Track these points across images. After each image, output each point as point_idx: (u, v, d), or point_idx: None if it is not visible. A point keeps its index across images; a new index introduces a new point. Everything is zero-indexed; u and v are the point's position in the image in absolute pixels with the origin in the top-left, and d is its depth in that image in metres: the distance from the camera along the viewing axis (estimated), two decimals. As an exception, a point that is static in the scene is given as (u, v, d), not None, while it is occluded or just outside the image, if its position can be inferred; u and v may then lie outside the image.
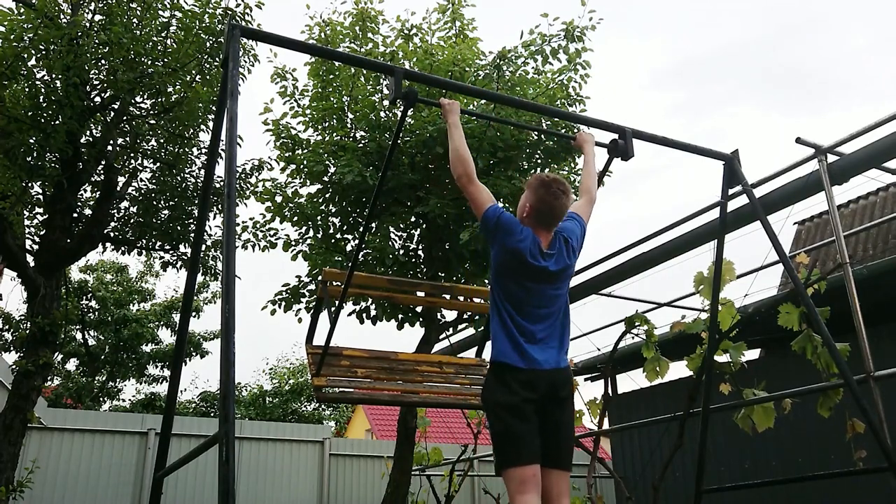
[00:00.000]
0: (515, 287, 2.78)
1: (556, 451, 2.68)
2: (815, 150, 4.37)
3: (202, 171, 7.26)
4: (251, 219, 6.84)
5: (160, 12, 6.30)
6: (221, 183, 3.41)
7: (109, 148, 6.67)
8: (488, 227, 2.82)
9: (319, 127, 6.59)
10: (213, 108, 6.47)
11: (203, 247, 7.20)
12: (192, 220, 7.34)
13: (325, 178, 6.32)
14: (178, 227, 7.35)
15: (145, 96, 6.68)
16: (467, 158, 2.90)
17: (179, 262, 7.75)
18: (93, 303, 14.98)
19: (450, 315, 6.69)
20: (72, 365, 15.36)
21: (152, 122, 6.91)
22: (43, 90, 5.89)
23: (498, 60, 6.05)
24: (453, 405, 4.33)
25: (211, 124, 5.20)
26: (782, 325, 4.18)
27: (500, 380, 2.69)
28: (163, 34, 6.31)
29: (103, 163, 6.70)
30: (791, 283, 3.90)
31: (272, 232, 6.79)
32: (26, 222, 6.83)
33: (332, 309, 3.77)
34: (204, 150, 7.35)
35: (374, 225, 6.32)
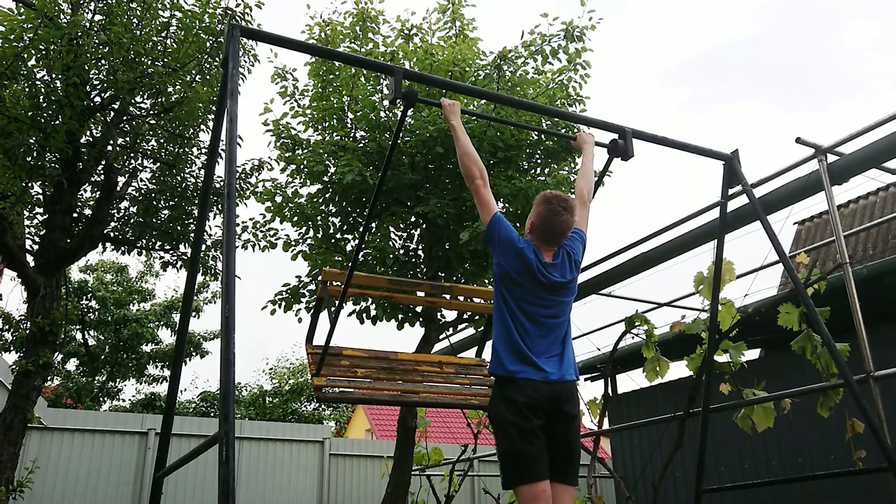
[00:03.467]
0: (521, 293, 2.79)
1: (562, 466, 2.68)
2: (815, 150, 4.38)
3: (202, 171, 7.26)
4: (251, 219, 6.84)
5: (160, 12, 6.30)
6: (221, 183, 3.41)
7: (109, 148, 6.66)
8: (494, 234, 2.85)
9: (319, 127, 6.59)
10: (213, 108, 6.46)
11: (203, 247, 7.20)
12: (192, 220, 7.34)
13: (325, 178, 6.32)
14: (178, 227, 7.35)
15: (145, 96, 6.68)
16: (479, 161, 2.95)
17: (179, 262, 7.75)
18: (93, 303, 14.99)
19: (450, 315, 6.69)
20: (72, 365, 15.37)
21: (152, 122, 6.91)
22: (43, 90, 5.89)
23: (498, 60, 6.05)
24: (453, 405, 4.33)
25: (211, 124, 5.20)
26: (782, 325, 4.18)
27: (506, 396, 2.68)
28: (163, 34, 6.30)
29: (103, 163, 6.69)
30: (791, 283, 3.90)
31: (272, 232, 6.79)
32: (26, 222, 6.83)
33: (332, 309, 3.77)
34: (204, 150, 7.35)
35: (374, 225, 6.32)
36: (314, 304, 4.81)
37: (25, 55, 5.64)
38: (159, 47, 6.28)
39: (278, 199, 6.54)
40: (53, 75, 5.88)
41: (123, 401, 16.47)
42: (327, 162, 6.23)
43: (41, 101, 5.88)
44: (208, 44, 6.38)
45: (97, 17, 6.08)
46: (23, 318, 12.08)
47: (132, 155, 7.16)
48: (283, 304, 6.47)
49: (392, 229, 6.48)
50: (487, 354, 3.06)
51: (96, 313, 14.99)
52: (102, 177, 6.86)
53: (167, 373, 15.29)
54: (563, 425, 2.71)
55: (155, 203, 7.35)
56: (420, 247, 6.64)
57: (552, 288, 2.82)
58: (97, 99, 6.50)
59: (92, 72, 6.19)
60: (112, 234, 7.25)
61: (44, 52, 5.73)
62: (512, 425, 2.63)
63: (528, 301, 2.78)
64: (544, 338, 2.78)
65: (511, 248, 2.81)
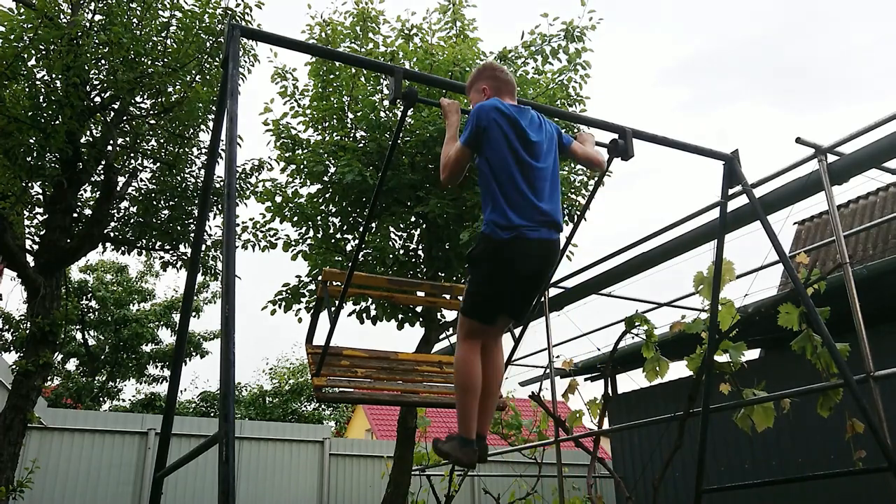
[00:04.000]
0: (507, 146, 2.82)
1: (516, 306, 2.91)
2: (815, 150, 4.38)
3: (202, 171, 7.26)
4: (251, 219, 6.84)
5: (160, 12, 6.30)
6: (221, 183, 3.41)
7: (109, 148, 6.67)
8: (471, 130, 2.85)
9: (319, 127, 6.59)
10: (213, 108, 6.47)
11: (203, 247, 7.20)
12: (192, 220, 7.34)
13: (325, 178, 6.32)
14: (178, 227, 7.35)
15: (145, 96, 6.68)
16: (447, 160, 2.93)
17: (179, 262, 7.75)
18: (93, 303, 14.98)
19: (450, 315, 6.69)
20: (72, 365, 15.38)
21: (152, 122, 6.91)
22: (43, 90, 5.89)
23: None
24: (453, 405, 4.32)
25: (211, 124, 5.20)
26: (782, 325, 4.18)
27: (492, 254, 2.74)
28: (163, 34, 6.30)
29: (103, 163, 6.69)
30: (791, 283, 3.90)
31: (272, 232, 6.79)
32: (26, 222, 6.83)
33: (332, 309, 3.77)
34: (204, 150, 7.35)
35: (374, 225, 6.32)
36: (314, 304, 4.81)
37: (25, 55, 5.64)
38: (159, 47, 6.28)
39: (278, 199, 6.54)
40: (53, 75, 5.88)
41: (123, 401, 16.47)
42: (327, 162, 6.23)
43: (41, 101, 5.88)
44: (208, 44, 6.38)
45: (97, 17, 6.08)
46: (23, 318, 12.09)
47: (132, 155, 7.16)
48: (283, 304, 6.47)
49: (392, 229, 6.48)
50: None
51: (96, 313, 14.99)
52: (102, 177, 6.86)
53: (167, 373, 15.30)
54: (540, 282, 2.88)
55: (155, 203, 7.35)
56: (420, 247, 6.64)
57: (536, 148, 2.89)
58: (97, 99, 6.50)
59: (92, 72, 6.19)
60: (112, 234, 7.25)
61: (44, 52, 5.73)
62: (488, 279, 2.77)
63: (514, 149, 2.83)
64: (537, 175, 2.84)
65: (489, 118, 2.82)
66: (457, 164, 2.88)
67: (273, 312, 6.51)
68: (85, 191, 7.26)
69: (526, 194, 2.75)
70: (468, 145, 2.85)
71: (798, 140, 4.37)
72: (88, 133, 6.70)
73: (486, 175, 2.82)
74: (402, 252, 6.51)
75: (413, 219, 6.32)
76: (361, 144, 6.31)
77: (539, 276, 2.84)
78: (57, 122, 5.83)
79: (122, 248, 7.40)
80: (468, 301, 2.85)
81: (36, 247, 6.55)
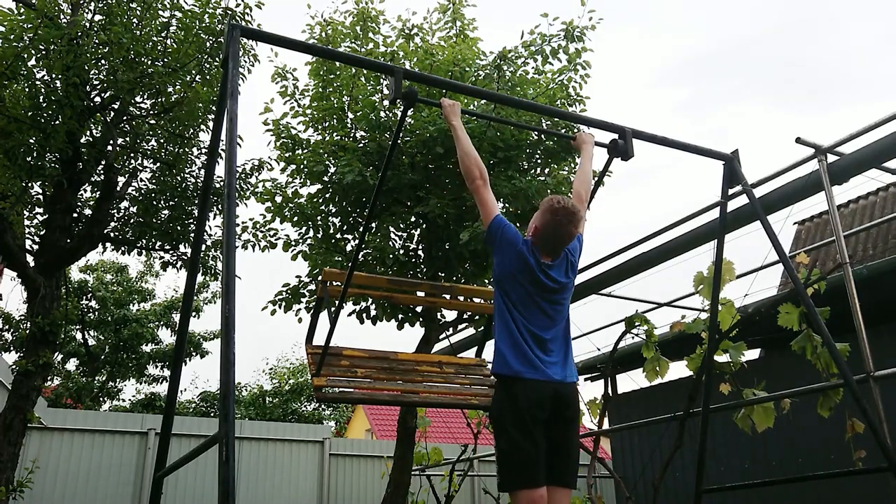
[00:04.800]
0: (522, 292, 2.79)
1: (561, 469, 2.67)
2: (815, 150, 4.38)
3: (202, 171, 7.26)
4: (251, 219, 6.84)
5: (160, 12, 6.30)
6: (221, 183, 3.41)
7: (109, 148, 6.66)
8: (494, 235, 2.86)
9: (319, 127, 6.59)
10: (213, 108, 6.46)
11: (203, 247, 7.19)
12: (192, 220, 7.34)
13: (325, 178, 6.32)
14: (178, 227, 7.35)
15: (145, 96, 6.68)
16: (479, 161, 2.97)
17: (179, 262, 7.75)
18: (93, 303, 14.98)
19: (450, 315, 6.69)
20: (72, 365, 15.38)
21: (152, 122, 6.91)
22: (43, 90, 5.89)
23: (498, 60, 6.05)
24: (453, 405, 4.33)
25: (211, 124, 5.20)
26: (782, 325, 4.18)
27: (509, 396, 2.67)
28: (163, 34, 6.30)
29: (103, 163, 6.69)
30: (791, 283, 3.90)
31: (272, 232, 6.79)
32: (26, 222, 6.83)
33: (332, 309, 3.77)
34: (204, 150, 7.35)
35: (374, 225, 6.32)
36: (314, 304, 4.81)
37: (25, 55, 5.64)
38: (159, 47, 6.28)
39: (278, 199, 6.54)
40: (53, 75, 5.88)
41: (123, 401, 16.48)
42: (327, 162, 6.23)
43: (41, 101, 5.88)
44: (208, 44, 6.38)
45: (97, 17, 6.08)
46: (23, 318, 12.09)
47: (132, 155, 7.16)
48: (283, 304, 6.47)
49: (392, 229, 6.48)
50: (487, 354, 3.07)
51: (96, 313, 14.99)
52: (102, 177, 6.86)
53: (167, 373, 15.29)
54: (563, 428, 2.71)
55: (155, 203, 7.35)
56: (420, 247, 6.64)
57: (552, 289, 2.83)
58: (97, 99, 6.50)
59: (92, 72, 6.19)
60: (112, 234, 7.24)
61: (44, 52, 5.73)
62: (514, 427, 2.60)
63: (528, 301, 2.79)
64: (546, 339, 2.78)
65: (512, 250, 2.82)
66: (481, 193, 2.93)
67: (273, 313, 6.50)
68: (85, 191, 7.25)
69: (532, 350, 2.73)
70: (499, 219, 2.87)
71: (798, 140, 4.37)
72: (88, 133, 6.70)
73: (499, 315, 2.84)
74: (402, 252, 6.51)
75: (413, 219, 6.32)
76: (361, 144, 6.30)
77: (564, 418, 2.72)
78: (57, 122, 5.83)
79: (122, 248, 7.40)
80: (502, 467, 2.62)
81: (36, 247, 6.55)
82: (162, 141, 7.15)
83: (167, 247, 7.56)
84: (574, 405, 2.77)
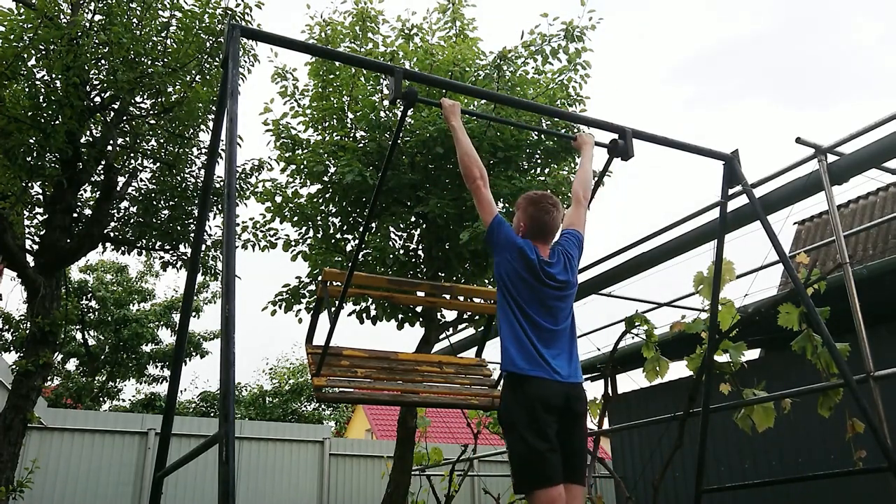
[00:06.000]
0: (525, 290, 2.79)
1: (573, 466, 2.66)
2: (815, 150, 4.37)
3: (202, 171, 7.26)
4: (251, 219, 6.84)
5: (160, 12, 6.30)
6: (221, 183, 3.41)
7: (109, 148, 6.67)
8: (495, 235, 2.86)
9: (319, 127, 6.59)
10: (213, 108, 6.47)
11: (203, 247, 7.20)
12: (192, 220, 7.34)
13: (325, 178, 6.32)
14: (178, 227, 7.35)
15: (145, 96, 6.68)
16: (479, 161, 2.97)
17: (179, 262, 7.75)
18: (93, 303, 14.99)
19: (450, 315, 6.69)
20: (72, 365, 15.39)
21: (152, 122, 6.91)
22: (43, 90, 5.89)
23: (498, 60, 6.05)
24: (453, 405, 4.33)
25: (211, 124, 5.20)
26: (782, 325, 4.18)
27: (518, 395, 2.65)
28: (163, 34, 6.30)
29: (103, 163, 6.70)
30: (791, 283, 3.90)
31: (272, 232, 6.78)
32: (26, 222, 6.83)
33: (332, 309, 3.76)
34: (204, 150, 7.35)
35: (374, 225, 6.32)
36: (314, 304, 4.81)
37: (25, 55, 5.64)
38: (159, 47, 6.28)
39: (278, 199, 6.54)
40: (53, 75, 5.88)
41: (123, 401, 16.49)
42: (327, 162, 6.23)
43: (41, 101, 5.88)
44: (208, 44, 6.38)
45: (97, 17, 6.08)
46: (23, 318, 12.08)
47: (132, 155, 7.16)
48: (283, 304, 6.46)
49: (392, 229, 6.48)
50: (487, 354, 3.07)
51: (96, 313, 14.99)
52: (102, 177, 6.86)
53: (167, 373, 15.29)
54: (573, 426, 2.70)
55: (155, 203, 7.35)
56: (420, 247, 6.64)
57: (554, 286, 2.83)
58: (97, 99, 6.50)
59: (92, 72, 6.19)
60: (112, 234, 7.25)
61: (44, 52, 5.73)
62: (527, 427, 2.58)
63: (531, 299, 2.79)
64: (552, 337, 2.78)
65: (513, 248, 2.82)
66: (481, 195, 2.93)
67: (273, 313, 6.50)
68: (85, 191, 7.26)
69: (537, 348, 2.72)
70: (499, 221, 2.86)
71: (798, 140, 4.37)
72: (88, 133, 6.69)
73: (503, 314, 2.83)
74: (402, 252, 6.51)
75: (413, 219, 6.32)
76: (361, 144, 6.30)
77: (572, 415, 2.70)
78: (57, 122, 5.83)
79: (122, 248, 7.40)
80: (516, 468, 2.59)
81: (36, 247, 6.55)
82: (162, 141, 7.15)
83: (167, 247, 7.56)
84: (581, 402, 2.76)
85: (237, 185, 7.05)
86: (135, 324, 15.08)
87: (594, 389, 19.77)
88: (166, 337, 15.85)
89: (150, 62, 6.16)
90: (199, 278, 8.68)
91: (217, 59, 6.45)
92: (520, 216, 2.96)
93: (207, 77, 6.59)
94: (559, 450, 2.60)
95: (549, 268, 2.84)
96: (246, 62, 7.07)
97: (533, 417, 2.59)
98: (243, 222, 6.87)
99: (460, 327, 7.35)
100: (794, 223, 11.18)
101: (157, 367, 15.69)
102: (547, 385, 2.65)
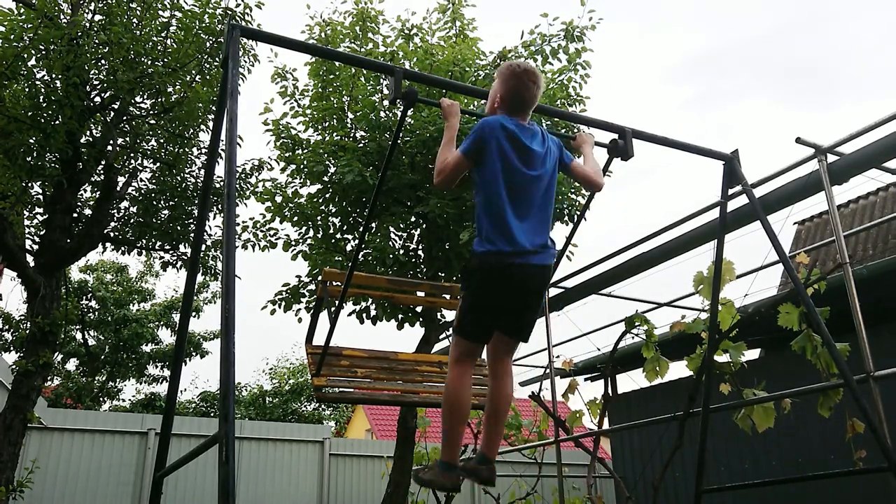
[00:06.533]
0: (501, 164, 2.73)
1: (517, 326, 2.81)
2: (815, 150, 4.37)
3: (202, 171, 7.27)
4: (251, 219, 6.84)
5: (160, 12, 6.30)
6: (221, 183, 3.41)
7: (109, 148, 6.67)
8: (469, 152, 2.77)
9: (319, 127, 6.59)
10: (213, 108, 6.47)
11: (203, 247, 7.20)
12: (192, 220, 7.35)
13: (325, 178, 6.32)
14: (178, 227, 7.36)
15: (145, 96, 6.69)
16: (449, 169, 2.82)
17: (179, 262, 7.76)
18: (93, 303, 15.00)
19: (450, 315, 6.69)
20: (72, 365, 15.39)
21: (152, 122, 6.91)
22: (43, 90, 5.89)
23: (498, 60, 6.06)
24: (453, 405, 4.32)
25: (211, 124, 5.20)
26: (782, 325, 4.18)
27: (483, 261, 2.70)
28: (163, 34, 6.31)
29: (103, 163, 6.70)
30: (791, 283, 3.90)
31: (272, 232, 6.79)
32: (26, 222, 6.83)
33: (332, 309, 3.76)
34: (204, 150, 7.35)
35: (374, 225, 6.32)
36: (314, 304, 4.81)
37: (25, 55, 5.64)
38: (159, 47, 6.28)
39: (278, 199, 6.54)
40: (53, 75, 5.88)
41: (123, 401, 16.49)
42: (327, 162, 6.24)
43: (41, 101, 5.88)
44: (208, 44, 6.38)
45: (97, 17, 6.08)
46: (23, 318, 12.08)
47: (132, 155, 7.17)
48: (283, 304, 6.47)
49: (392, 229, 6.48)
50: (486, 354, 3.06)
51: (96, 313, 14.99)
52: (102, 177, 6.86)
53: (167, 373, 15.30)
54: (532, 302, 2.79)
55: (155, 203, 7.36)
56: (420, 247, 6.64)
57: (532, 157, 2.79)
58: (97, 99, 6.50)
59: (92, 72, 6.19)
60: (112, 234, 7.25)
61: (44, 52, 5.73)
62: (479, 287, 2.72)
63: (509, 173, 2.74)
64: (529, 216, 2.76)
65: (487, 139, 2.74)
66: (454, 171, 2.81)
67: (273, 312, 6.51)
68: (85, 191, 7.26)
69: (511, 220, 2.69)
70: (467, 156, 2.78)
71: (798, 140, 4.37)
72: (88, 133, 6.70)
73: (478, 189, 2.79)
74: (402, 252, 6.51)
75: (413, 219, 6.32)
76: (361, 144, 6.31)
77: (528, 296, 2.77)
78: (57, 122, 5.84)
79: (122, 248, 7.41)
80: (458, 319, 2.82)
81: (36, 247, 6.55)
82: (162, 141, 7.16)
83: (167, 247, 7.57)
84: (545, 285, 2.85)
85: (237, 185, 7.05)
86: (135, 324, 15.08)
87: (594, 389, 19.75)
88: (166, 337, 15.88)
89: (150, 62, 6.16)
90: (199, 278, 8.69)
91: (217, 59, 6.45)
92: (498, 86, 2.89)
93: (207, 77, 6.59)
94: (505, 314, 2.78)
95: (524, 132, 2.79)
96: (246, 62, 7.08)
97: (485, 292, 2.74)
98: (243, 222, 6.88)
99: (460, 327, 7.34)
100: (794, 223, 11.19)
101: (157, 367, 15.70)
102: (517, 270, 2.70)
